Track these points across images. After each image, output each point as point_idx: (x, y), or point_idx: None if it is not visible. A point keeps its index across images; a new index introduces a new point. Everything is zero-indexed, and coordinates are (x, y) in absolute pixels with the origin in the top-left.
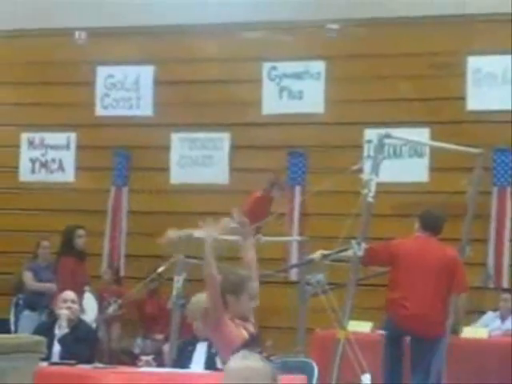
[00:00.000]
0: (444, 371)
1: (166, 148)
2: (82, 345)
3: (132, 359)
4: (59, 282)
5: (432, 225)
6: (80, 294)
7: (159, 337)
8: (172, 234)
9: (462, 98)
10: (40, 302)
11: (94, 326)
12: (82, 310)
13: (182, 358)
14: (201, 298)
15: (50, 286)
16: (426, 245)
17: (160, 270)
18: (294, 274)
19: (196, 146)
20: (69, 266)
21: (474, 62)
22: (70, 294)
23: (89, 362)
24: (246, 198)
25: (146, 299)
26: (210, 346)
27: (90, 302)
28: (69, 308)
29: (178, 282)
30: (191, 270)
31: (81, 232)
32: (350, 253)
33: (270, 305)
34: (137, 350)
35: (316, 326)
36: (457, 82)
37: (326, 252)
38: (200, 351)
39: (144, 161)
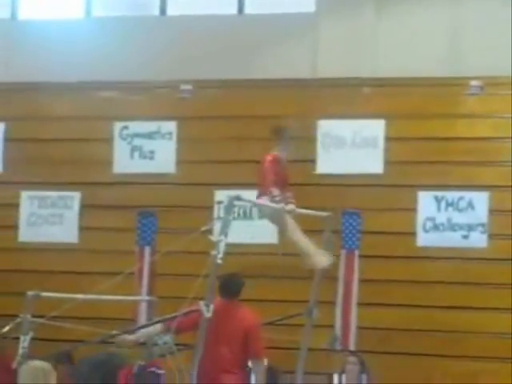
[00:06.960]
0: None
1: (15, 205)
2: None
3: None
4: None
5: (230, 291)
6: None
7: None
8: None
9: (312, 161)
10: None
11: None
12: None
13: None
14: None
15: None
16: (228, 309)
17: (5, 329)
18: None
19: (46, 204)
20: None
21: (323, 126)
22: None
23: None
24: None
25: None
26: None
27: None
28: None
29: (24, 341)
30: (37, 329)
31: None
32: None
33: None
34: None
35: None
36: (307, 145)
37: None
38: None
39: None
